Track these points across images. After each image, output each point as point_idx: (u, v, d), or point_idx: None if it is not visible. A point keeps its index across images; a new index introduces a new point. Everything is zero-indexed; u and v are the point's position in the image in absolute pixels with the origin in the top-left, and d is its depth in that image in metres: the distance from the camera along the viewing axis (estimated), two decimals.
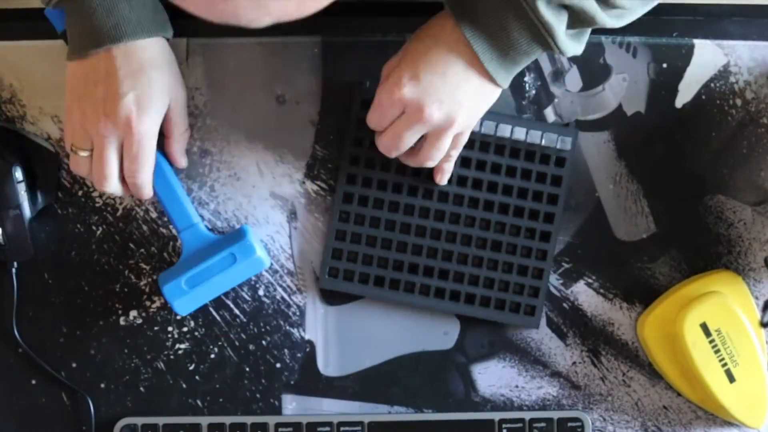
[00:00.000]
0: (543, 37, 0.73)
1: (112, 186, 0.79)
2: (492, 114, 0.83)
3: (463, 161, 0.85)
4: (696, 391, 0.86)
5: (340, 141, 0.86)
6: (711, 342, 0.84)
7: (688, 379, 0.86)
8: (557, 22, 0.73)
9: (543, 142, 0.86)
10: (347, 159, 0.85)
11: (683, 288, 0.86)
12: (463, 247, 0.86)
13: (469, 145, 0.84)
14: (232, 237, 0.83)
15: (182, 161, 0.84)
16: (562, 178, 0.86)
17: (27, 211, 0.84)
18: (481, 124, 0.85)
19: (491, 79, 0.76)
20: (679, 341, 0.84)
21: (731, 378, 0.84)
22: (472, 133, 0.84)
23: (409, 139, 0.78)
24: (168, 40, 0.80)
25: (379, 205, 0.86)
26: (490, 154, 0.85)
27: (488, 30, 0.74)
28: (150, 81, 0.77)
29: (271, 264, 0.87)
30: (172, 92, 0.79)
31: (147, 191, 0.80)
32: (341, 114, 0.86)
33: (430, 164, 0.81)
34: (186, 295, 0.81)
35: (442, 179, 0.84)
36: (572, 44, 0.75)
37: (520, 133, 0.85)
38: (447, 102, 0.75)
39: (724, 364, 0.84)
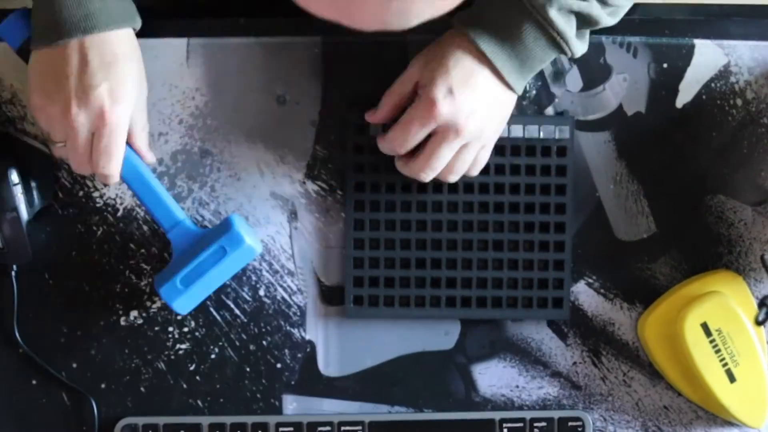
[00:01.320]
0: (558, 44, 0.76)
1: (88, 172, 0.79)
2: None
3: None
4: (696, 391, 0.86)
5: (341, 166, 0.86)
6: (711, 342, 0.84)
7: (689, 379, 0.86)
8: (569, 27, 0.76)
9: (541, 135, 0.86)
10: (351, 187, 0.85)
11: (684, 288, 0.86)
12: (481, 252, 0.86)
13: None
14: (219, 229, 0.82)
15: (149, 156, 0.82)
16: (566, 168, 0.86)
17: (24, 214, 0.83)
18: None
19: (510, 88, 0.78)
20: (680, 341, 0.84)
21: (732, 378, 0.84)
22: None
23: (448, 156, 0.78)
24: (134, 30, 0.79)
25: (391, 227, 0.86)
26: (492, 155, 0.85)
27: (505, 43, 0.76)
28: (123, 72, 0.76)
29: (272, 264, 0.87)
30: (140, 86, 0.78)
31: (115, 179, 0.79)
32: (342, 114, 0.86)
33: (453, 179, 0.81)
34: (183, 295, 0.81)
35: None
36: (581, 45, 0.78)
37: (517, 130, 0.86)
38: (479, 115, 0.77)
39: (725, 364, 0.84)
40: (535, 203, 0.86)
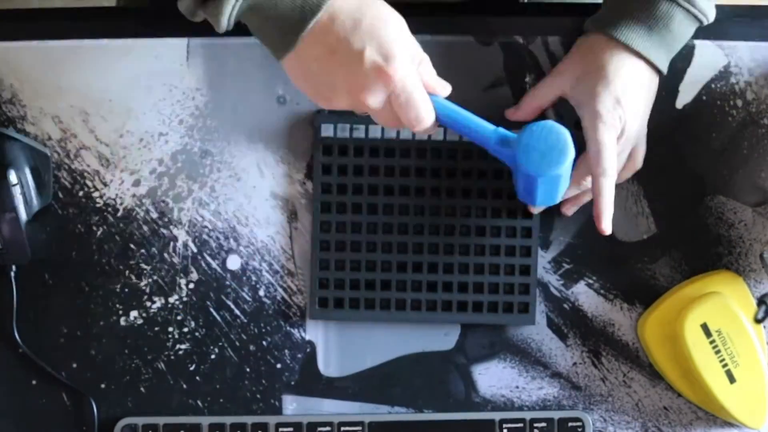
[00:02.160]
0: (698, 18, 0.80)
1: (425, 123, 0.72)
2: None
3: (433, 172, 0.85)
4: (696, 392, 0.86)
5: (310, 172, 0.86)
6: (711, 342, 0.84)
7: (689, 379, 0.86)
8: (707, 1, 0.79)
9: None
10: (318, 188, 0.85)
11: (684, 289, 0.86)
12: (447, 256, 0.86)
13: (437, 153, 0.85)
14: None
15: (442, 88, 0.74)
16: None
17: (23, 214, 0.83)
18: (445, 132, 0.85)
19: (659, 73, 0.82)
20: (680, 342, 0.84)
21: (732, 378, 0.84)
22: (438, 142, 0.85)
23: (615, 156, 0.79)
24: None
25: (358, 229, 0.86)
26: (459, 160, 0.85)
27: (652, 32, 0.79)
28: (375, 22, 0.68)
29: (272, 265, 0.87)
30: (396, 21, 0.70)
31: (431, 124, 0.72)
32: (341, 113, 0.85)
33: (618, 176, 0.81)
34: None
35: (571, 210, 0.86)
36: (712, 9, 0.81)
37: None
38: (642, 112, 0.81)
39: (725, 365, 0.84)
40: (502, 208, 0.86)
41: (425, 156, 0.86)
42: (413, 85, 0.70)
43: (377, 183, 0.85)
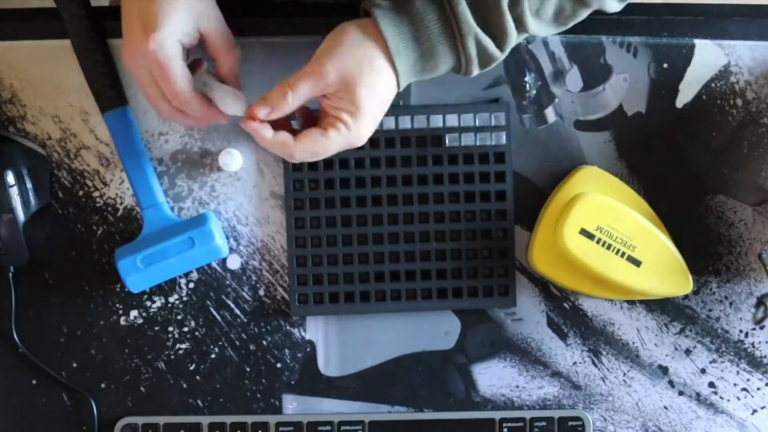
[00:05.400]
0: (458, 63, 0.74)
1: (165, 112, 0.76)
2: (420, 107, 0.85)
3: (403, 160, 0.85)
4: (615, 291, 0.85)
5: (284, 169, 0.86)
6: (598, 242, 0.82)
7: (602, 284, 0.84)
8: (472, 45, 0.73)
9: (477, 123, 0.86)
10: (290, 185, 0.85)
11: (549, 208, 0.85)
12: (423, 244, 0.86)
13: (406, 142, 0.85)
14: (193, 222, 0.84)
15: (235, 83, 0.79)
16: (504, 154, 0.86)
17: (20, 215, 0.83)
18: (412, 119, 0.85)
19: (396, 83, 0.74)
20: (570, 258, 0.83)
21: (636, 262, 0.83)
22: (406, 130, 0.85)
23: None
24: None
25: (332, 223, 0.86)
26: (429, 147, 0.85)
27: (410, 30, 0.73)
28: (155, 4, 0.73)
29: (272, 264, 0.87)
30: (193, 13, 0.75)
31: (196, 107, 0.76)
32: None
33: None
34: (139, 273, 0.82)
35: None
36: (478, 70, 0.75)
37: (452, 120, 0.86)
38: (366, 94, 0.73)
39: (623, 254, 0.82)
40: (475, 192, 0.86)
41: (394, 145, 0.86)
42: (164, 62, 0.73)
43: (348, 175, 0.85)
